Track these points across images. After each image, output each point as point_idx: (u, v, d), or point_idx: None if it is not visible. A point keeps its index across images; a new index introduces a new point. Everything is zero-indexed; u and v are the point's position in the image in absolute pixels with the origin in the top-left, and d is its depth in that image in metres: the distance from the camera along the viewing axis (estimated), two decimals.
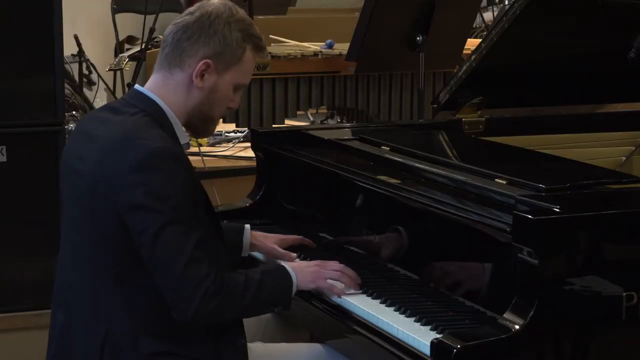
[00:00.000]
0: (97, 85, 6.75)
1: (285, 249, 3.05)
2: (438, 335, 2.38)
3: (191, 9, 2.70)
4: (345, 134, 3.46)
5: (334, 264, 2.79)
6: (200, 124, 2.73)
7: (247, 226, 3.02)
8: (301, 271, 2.72)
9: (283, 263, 2.80)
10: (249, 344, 2.72)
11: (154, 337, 2.58)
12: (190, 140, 2.76)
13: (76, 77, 6.38)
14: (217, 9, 2.67)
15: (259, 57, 2.74)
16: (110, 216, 2.55)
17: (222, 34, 2.65)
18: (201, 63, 2.64)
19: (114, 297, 2.58)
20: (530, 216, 2.35)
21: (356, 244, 3.00)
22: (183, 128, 2.70)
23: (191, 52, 2.65)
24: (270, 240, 3.04)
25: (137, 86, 2.73)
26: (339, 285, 2.75)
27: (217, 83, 2.67)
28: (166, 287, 2.53)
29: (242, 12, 2.71)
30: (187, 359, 2.59)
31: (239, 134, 5.40)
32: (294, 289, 2.69)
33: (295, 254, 3.03)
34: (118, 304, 2.58)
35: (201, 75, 2.65)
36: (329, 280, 2.74)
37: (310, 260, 2.93)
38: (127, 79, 6.18)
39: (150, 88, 2.69)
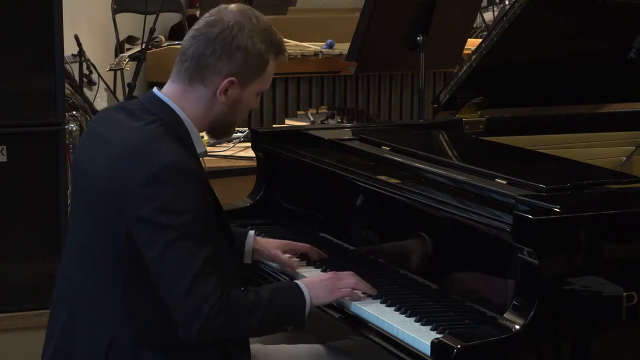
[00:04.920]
0: (97, 85, 6.73)
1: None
2: (438, 335, 2.38)
3: (210, 19, 2.61)
4: (345, 134, 3.45)
5: (348, 275, 2.73)
6: (222, 130, 2.72)
7: (251, 232, 2.97)
8: (314, 287, 2.65)
9: (297, 280, 2.71)
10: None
11: (157, 349, 2.54)
12: (206, 150, 2.71)
13: (76, 77, 6.37)
14: (238, 21, 2.59)
15: (279, 61, 2.69)
16: (118, 224, 2.51)
17: (245, 49, 2.58)
18: (226, 81, 2.59)
19: (120, 303, 2.54)
20: (530, 216, 2.34)
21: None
22: (200, 136, 2.66)
23: (215, 70, 2.58)
24: (273, 246, 2.97)
25: (155, 90, 2.66)
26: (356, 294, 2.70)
27: (241, 95, 2.63)
28: (172, 303, 2.47)
29: (261, 19, 2.63)
30: None
31: (239, 134, 5.40)
32: (307, 307, 2.62)
33: (296, 260, 2.99)
34: (123, 311, 2.54)
35: (225, 91, 2.61)
36: (344, 290, 2.68)
37: (320, 267, 2.93)
38: (128, 79, 6.17)
39: (169, 95, 2.63)
